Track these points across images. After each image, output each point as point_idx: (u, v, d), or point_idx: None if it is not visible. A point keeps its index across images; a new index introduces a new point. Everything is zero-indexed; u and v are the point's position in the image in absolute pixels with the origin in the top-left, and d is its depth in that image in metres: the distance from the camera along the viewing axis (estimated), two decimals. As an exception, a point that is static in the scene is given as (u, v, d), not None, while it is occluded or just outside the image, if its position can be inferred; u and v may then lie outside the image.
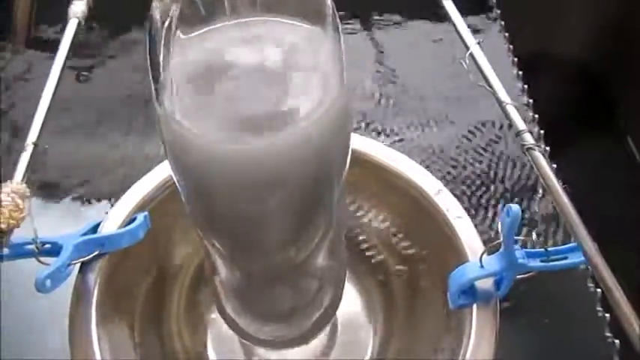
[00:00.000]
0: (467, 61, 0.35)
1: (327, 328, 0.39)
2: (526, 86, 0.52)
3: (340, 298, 0.34)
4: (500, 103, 0.34)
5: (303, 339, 0.34)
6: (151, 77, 0.21)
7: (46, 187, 0.48)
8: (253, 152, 0.20)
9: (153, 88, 0.21)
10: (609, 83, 0.66)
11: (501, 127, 0.51)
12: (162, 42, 0.20)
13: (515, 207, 0.29)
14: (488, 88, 0.35)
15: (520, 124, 0.33)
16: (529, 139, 0.33)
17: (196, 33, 0.20)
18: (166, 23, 0.20)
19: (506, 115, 0.34)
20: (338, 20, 0.22)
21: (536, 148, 0.32)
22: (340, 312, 0.39)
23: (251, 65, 0.21)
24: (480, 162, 0.49)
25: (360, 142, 0.40)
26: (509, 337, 0.35)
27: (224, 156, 0.21)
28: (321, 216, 0.26)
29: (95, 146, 0.52)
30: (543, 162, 0.32)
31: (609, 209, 0.58)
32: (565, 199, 0.30)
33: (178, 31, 0.20)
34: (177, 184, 0.25)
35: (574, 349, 0.38)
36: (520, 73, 0.53)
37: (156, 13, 0.20)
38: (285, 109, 0.21)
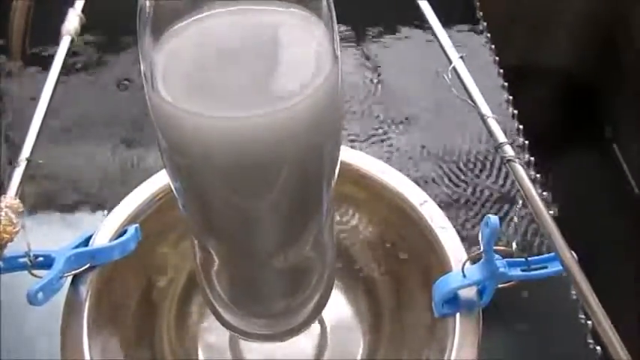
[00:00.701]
0: (449, 75, 0.36)
1: (317, 337, 0.40)
2: (511, 97, 0.53)
3: (330, 290, 0.34)
4: (481, 116, 0.35)
5: (293, 332, 0.34)
6: (141, 59, 0.21)
7: (40, 198, 0.49)
8: (247, 129, 0.21)
9: (143, 70, 0.21)
10: (595, 93, 0.67)
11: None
12: (153, 26, 0.21)
13: (493, 218, 0.30)
14: (469, 102, 0.36)
15: (500, 137, 0.34)
16: (509, 151, 0.33)
17: (187, 16, 0.21)
18: (155, 8, 0.21)
19: (487, 128, 0.35)
20: (332, 6, 0.22)
21: (516, 160, 0.33)
22: (329, 320, 0.40)
23: (243, 46, 0.21)
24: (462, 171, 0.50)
25: (347, 154, 0.41)
26: (492, 344, 0.36)
27: (217, 133, 0.21)
28: (313, 197, 0.26)
29: (89, 157, 0.52)
30: (523, 174, 0.33)
31: (596, 218, 0.59)
32: (543, 209, 0.31)
33: (169, 16, 0.21)
34: (169, 173, 0.25)
35: (556, 356, 0.39)
36: (505, 84, 0.54)
37: None
38: (276, 86, 0.21)
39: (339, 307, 0.41)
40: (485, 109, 0.35)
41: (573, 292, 0.41)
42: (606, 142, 0.66)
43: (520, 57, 0.67)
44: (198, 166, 0.23)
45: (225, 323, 0.34)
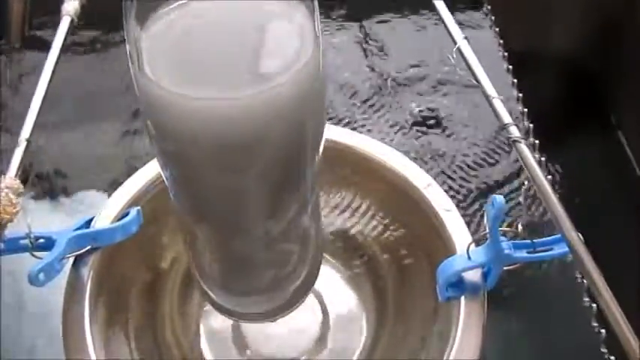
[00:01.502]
0: (454, 56, 0.36)
1: (319, 321, 0.40)
2: (515, 81, 0.52)
3: (318, 268, 0.34)
4: (487, 96, 0.35)
5: (283, 309, 0.34)
6: (127, 43, 0.22)
7: (41, 183, 0.49)
8: (232, 110, 0.21)
9: (129, 52, 0.22)
10: (601, 78, 0.67)
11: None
12: (138, 9, 0.21)
13: (499, 198, 0.30)
14: (475, 82, 0.35)
15: (506, 118, 0.34)
16: (515, 131, 0.33)
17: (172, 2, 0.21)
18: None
19: (493, 109, 0.34)
20: None
21: (522, 140, 0.33)
22: (331, 305, 0.40)
23: (227, 28, 0.22)
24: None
25: (349, 136, 0.41)
26: (497, 328, 0.36)
27: (203, 115, 0.21)
28: (298, 172, 0.26)
29: (91, 142, 0.52)
30: (528, 154, 0.32)
31: (599, 203, 0.58)
32: (549, 191, 0.31)
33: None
34: (158, 159, 0.25)
35: (561, 340, 0.39)
36: (510, 67, 0.53)
37: None
38: (260, 67, 0.22)
39: (341, 292, 0.41)
40: (490, 89, 0.35)
41: (578, 275, 0.41)
42: (610, 127, 0.65)
43: (525, 42, 0.66)
44: (184, 147, 0.23)
45: (219, 307, 0.34)
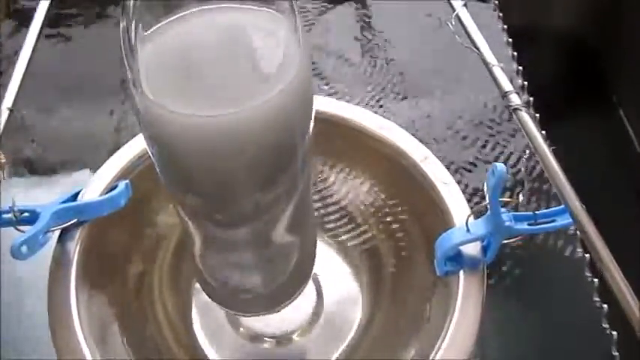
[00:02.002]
0: (453, 23, 0.35)
1: (314, 298, 0.39)
2: (515, 53, 0.51)
3: (311, 268, 0.34)
4: (486, 64, 0.34)
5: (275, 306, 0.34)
6: (125, 60, 0.22)
7: (29, 161, 0.48)
8: (222, 124, 0.22)
9: (128, 70, 0.22)
10: (601, 54, 0.66)
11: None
12: (135, 29, 0.22)
13: (500, 166, 0.28)
14: (474, 49, 0.34)
15: (506, 85, 0.33)
16: (516, 100, 0.32)
17: (165, 19, 0.22)
18: (138, 11, 0.21)
19: (493, 77, 0.33)
20: (294, 4, 0.23)
21: (523, 108, 0.32)
22: (325, 280, 0.39)
23: (217, 46, 0.22)
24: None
25: (345, 109, 0.40)
26: (496, 303, 0.35)
27: (196, 129, 0.22)
28: (286, 177, 0.26)
29: (79, 119, 0.51)
30: (530, 123, 0.31)
31: (598, 180, 0.58)
32: (552, 160, 0.30)
33: (149, 18, 0.22)
34: (152, 157, 0.25)
35: (562, 315, 0.38)
36: (510, 40, 0.52)
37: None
38: (247, 85, 0.22)
39: (336, 268, 0.40)
40: (490, 57, 0.34)
41: (579, 249, 0.40)
42: (610, 103, 0.64)
43: (525, 17, 0.65)
44: (178, 156, 0.24)
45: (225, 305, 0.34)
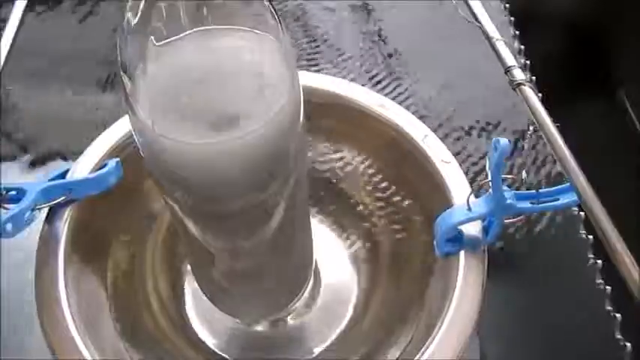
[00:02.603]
0: (455, -2, 0.33)
1: (311, 279, 0.38)
2: (518, 32, 0.50)
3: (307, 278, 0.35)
4: (488, 39, 0.33)
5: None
6: (122, 87, 0.23)
7: (15, 144, 0.47)
8: (215, 150, 0.22)
9: (124, 95, 0.23)
10: (602, 34, 0.65)
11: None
12: (132, 53, 0.22)
13: (503, 140, 0.27)
14: (476, 23, 0.33)
15: (509, 60, 0.31)
16: (519, 74, 0.31)
17: (159, 44, 0.22)
18: (135, 35, 0.22)
19: (495, 51, 0.32)
20: (283, 28, 0.23)
21: (527, 83, 0.30)
22: (322, 262, 0.38)
23: (211, 73, 0.22)
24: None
25: (343, 87, 0.39)
26: (497, 285, 0.34)
27: (189, 154, 0.23)
28: (279, 197, 0.27)
29: (67, 102, 0.50)
30: (534, 98, 0.30)
31: (599, 162, 0.57)
32: (557, 135, 0.29)
33: (148, 43, 0.22)
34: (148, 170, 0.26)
35: (564, 298, 0.37)
36: (512, 19, 0.51)
37: (127, 23, 0.22)
38: (239, 111, 0.22)
39: (332, 249, 0.39)
40: (492, 30, 0.33)
41: (582, 231, 0.39)
42: (613, 89, 0.63)
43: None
44: (174, 175, 0.24)
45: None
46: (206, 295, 0.34)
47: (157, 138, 0.22)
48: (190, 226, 0.28)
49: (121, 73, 0.23)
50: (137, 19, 0.21)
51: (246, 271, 0.31)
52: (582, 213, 0.39)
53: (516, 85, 0.31)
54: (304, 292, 0.36)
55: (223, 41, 0.22)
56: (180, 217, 0.27)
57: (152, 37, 0.22)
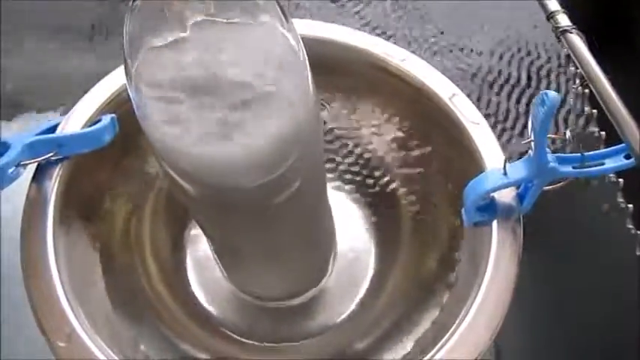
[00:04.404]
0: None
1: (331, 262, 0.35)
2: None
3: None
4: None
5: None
6: (128, 88, 0.22)
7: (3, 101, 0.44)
8: (223, 155, 0.21)
9: (133, 98, 0.22)
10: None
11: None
12: (132, 55, 0.21)
13: (552, 93, 0.24)
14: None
15: (552, 4, 0.28)
16: (564, 20, 0.27)
17: (162, 44, 0.20)
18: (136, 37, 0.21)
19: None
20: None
21: (573, 30, 0.27)
22: (338, 230, 0.35)
23: (219, 77, 0.21)
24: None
25: (364, 40, 0.35)
26: (532, 258, 0.30)
27: (196, 158, 0.22)
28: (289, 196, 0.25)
29: (60, 58, 0.47)
30: (582, 46, 0.27)
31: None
32: (609, 88, 0.25)
33: (148, 44, 0.20)
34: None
35: (603, 270, 0.34)
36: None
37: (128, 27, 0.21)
38: (248, 118, 0.21)
39: (351, 217, 0.37)
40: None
41: (620, 199, 0.35)
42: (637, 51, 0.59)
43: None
44: (184, 176, 0.23)
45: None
46: (227, 276, 0.33)
47: (166, 140, 0.21)
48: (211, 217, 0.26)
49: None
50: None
51: (268, 256, 0.29)
52: (621, 180, 0.36)
53: (561, 33, 0.27)
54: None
55: (226, 41, 0.20)
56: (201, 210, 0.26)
57: (152, 41, 0.20)
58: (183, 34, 0.20)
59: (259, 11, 0.21)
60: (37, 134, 0.29)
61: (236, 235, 0.28)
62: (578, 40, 0.27)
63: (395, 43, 0.40)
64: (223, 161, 0.21)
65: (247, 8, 0.21)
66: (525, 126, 0.38)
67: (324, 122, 0.37)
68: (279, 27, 0.21)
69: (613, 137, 0.26)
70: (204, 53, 0.20)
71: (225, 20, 0.20)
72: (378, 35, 0.45)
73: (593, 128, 0.37)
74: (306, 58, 0.23)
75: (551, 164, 0.27)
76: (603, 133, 0.37)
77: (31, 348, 0.34)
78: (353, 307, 0.34)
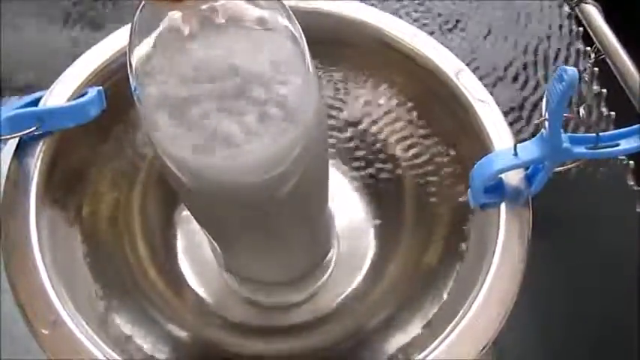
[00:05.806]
0: None
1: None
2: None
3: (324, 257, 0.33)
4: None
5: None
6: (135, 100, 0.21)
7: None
8: (223, 166, 0.21)
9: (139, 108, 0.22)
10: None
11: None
12: (137, 68, 0.21)
13: (571, 69, 0.22)
14: None
15: (570, -26, 0.26)
16: (581, -9, 0.26)
17: (167, 56, 0.20)
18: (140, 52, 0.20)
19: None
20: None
21: (589, 1, 0.25)
22: (339, 214, 0.34)
23: (221, 89, 0.20)
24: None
25: (370, 14, 0.33)
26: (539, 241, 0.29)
27: (197, 168, 0.22)
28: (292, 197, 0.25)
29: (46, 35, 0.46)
30: (598, 17, 0.25)
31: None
32: (626, 60, 0.24)
33: (152, 58, 0.20)
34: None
35: (612, 254, 0.32)
36: None
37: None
38: (256, 121, 0.21)
39: (351, 199, 0.35)
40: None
41: (631, 182, 0.34)
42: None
43: None
44: (186, 184, 0.23)
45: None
46: (223, 267, 0.32)
47: (169, 151, 0.21)
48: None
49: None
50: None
51: (267, 244, 0.29)
52: (632, 162, 0.34)
53: (576, 3, 0.26)
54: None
55: (231, 53, 0.20)
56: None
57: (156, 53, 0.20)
58: (192, 36, 0.20)
59: (268, 16, 0.21)
60: (18, 107, 0.27)
61: (234, 226, 0.26)
62: (594, 11, 0.25)
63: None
64: (229, 163, 0.21)
65: (257, 14, 0.21)
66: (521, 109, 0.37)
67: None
68: (286, 29, 0.21)
69: (623, 118, 0.24)
70: (214, 56, 0.20)
71: (234, 25, 0.20)
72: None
73: (603, 109, 0.35)
74: (310, 61, 0.22)
75: (565, 144, 0.25)
76: (613, 113, 0.36)
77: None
78: (354, 288, 0.33)
